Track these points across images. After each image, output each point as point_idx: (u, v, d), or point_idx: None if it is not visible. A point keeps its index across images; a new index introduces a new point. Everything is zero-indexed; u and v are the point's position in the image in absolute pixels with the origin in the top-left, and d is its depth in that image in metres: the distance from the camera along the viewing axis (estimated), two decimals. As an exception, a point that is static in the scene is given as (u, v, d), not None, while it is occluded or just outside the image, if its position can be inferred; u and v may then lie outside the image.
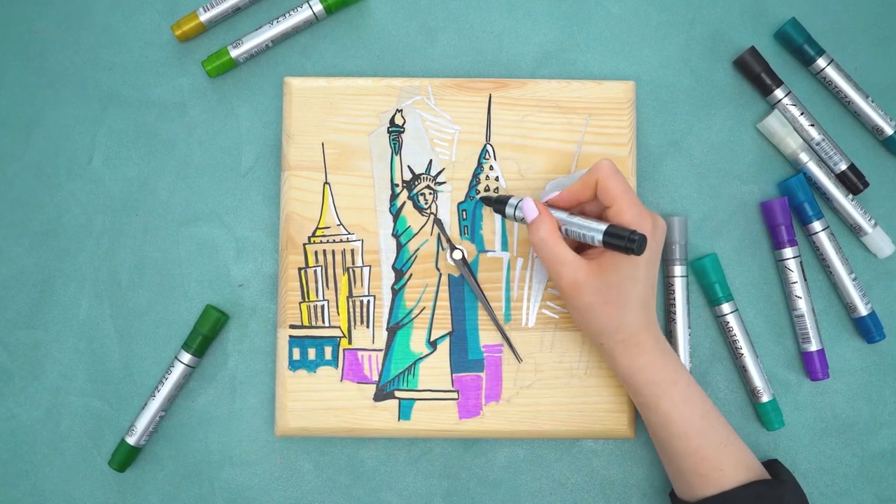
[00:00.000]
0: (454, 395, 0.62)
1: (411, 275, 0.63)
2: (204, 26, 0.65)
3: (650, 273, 0.56)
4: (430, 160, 0.63)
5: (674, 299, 0.64)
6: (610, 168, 0.55)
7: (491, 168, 0.63)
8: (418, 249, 0.63)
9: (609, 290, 0.54)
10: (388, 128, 0.63)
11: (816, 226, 0.64)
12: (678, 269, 0.64)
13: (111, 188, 0.65)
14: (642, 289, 0.55)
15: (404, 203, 0.63)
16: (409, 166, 0.63)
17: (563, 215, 0.56)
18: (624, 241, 0.52)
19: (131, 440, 0.63)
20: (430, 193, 0.63)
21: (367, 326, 0.63)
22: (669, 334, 0.64)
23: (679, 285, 0.64)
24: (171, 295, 0.65)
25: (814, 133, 0.64)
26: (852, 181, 0.65)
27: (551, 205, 0.58)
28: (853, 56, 0.66)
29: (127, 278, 0.65)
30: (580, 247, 0.58)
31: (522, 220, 0.58)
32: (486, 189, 0.63)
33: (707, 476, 0.55)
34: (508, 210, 0.59)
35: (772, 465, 0.61)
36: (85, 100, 0.66)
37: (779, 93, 0.64)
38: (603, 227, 0.53)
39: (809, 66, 0.65)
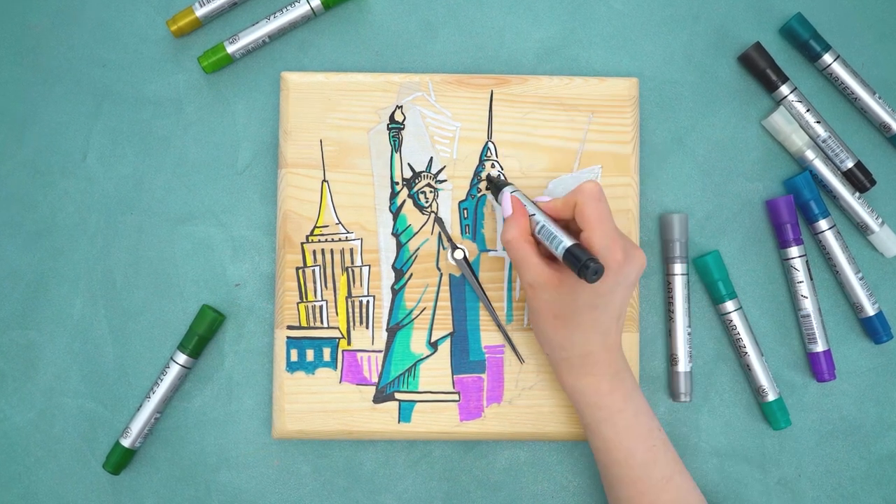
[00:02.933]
0: (455, 396, 0.62)
1: (411, 274, 0.62)
2: (200, 21, 0.64)
3: (613, 303, 0.54)
4: (431, 158, 0.63)
5: (673, 297, 0.63)
6: (592, 192, 0.53)
7: (493, 166, 0.63)
8: (419, 249, 0.62)
9: (560, 305, 0.54)
10: (388, 124, 0.63)
11: (822, 224, 0.63)
12: (678, 267, 0.63)
13: (105, 186, 0.65)
14: (598, 315, 0.54)
15: (404, 201, 0.63)
16: (409, 164, 0.63)
17: (542, 217, 0.55)
18: (579, 264, 0.50)
19: (126, 442, 0.62)
20: (431, 191, 0.63)
21: (367, 327, 0.62)
22: (668, 333, 0.64)
23: (678, 283, 0.63)
24: (167, 295, 0.64)
25: (820, 130, 0.64)
26: (859, 179, 0.64)
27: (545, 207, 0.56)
28: (860, 51, 0.66)
29: (122, 278, 0.64)
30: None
31: None
32: (487, 188, 0.62)
33: None
34: (501, 197, 0.58)
35: None
36: (79, 96, 0.65)
37: (784, 89, 0.64)
38: (569, 243, 0.51)
39: (815, 61, 0.65)
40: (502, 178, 0.62)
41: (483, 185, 0.62)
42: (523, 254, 0.54)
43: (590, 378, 0.55)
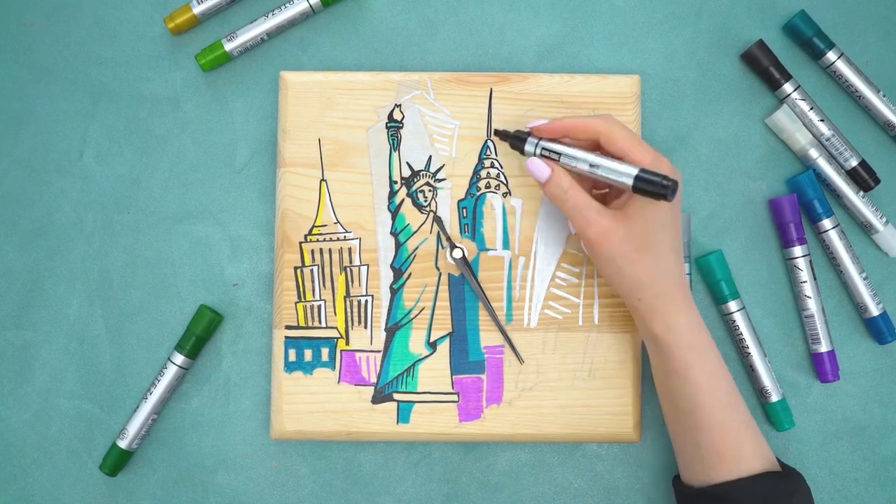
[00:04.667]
0: (454, 397, 0.61)
1: (410, 274, 0.62)
2: (197, 19, 0.64)
3: (676, 219, 0.55)
4: (430, 156, 0.62)
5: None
6: (611, 120, 0.54)
7: (492, 165, 0.62)
8: (417, 248, 0.62)
9: (639, 237, 0.53)
10: (387, 123, 0.62)
11: (826, 224, 0.63)
12: None
13: (102, 185, 0.64)
14: (671, 236, 0.54)
15: (403, 200, 0.62)
16: (407, 163, 0.62)
17: (590, 158, 0.53)
18: (657, 186, 0.50)
19: (123, 444, 0.62)
20: (430, 190, 0.62)
21: (365, 327, 0.62)
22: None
23: (684, 284, 0.63)
24: (164, 295, 0.64)
25: (823, 128, 0.63)
26: (863, 178, 0.64)
27: (540, 130, 0.55)
28: (864, 49, 0.65)
29: (119, 278, 0.64)
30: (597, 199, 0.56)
31: (542, 153, 0.55)
32: (487, 186, 0.62)
33: (725, 455, 0.54)
34: (528, 147, 0.56)
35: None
36: (75, 94, 0.65)
37: (787, 87, 0.64)
38: (634, 171, 0.51)
39: (819, 59, 0.64)
40: (499, 188, 0.61)
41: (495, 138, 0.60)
42: (581, 200, 0.53)
43: (682, 315, 0.54)
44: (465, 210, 0.62)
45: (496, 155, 0.62)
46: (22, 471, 0.63)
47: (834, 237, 0.63)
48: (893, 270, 0.65)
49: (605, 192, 0.59)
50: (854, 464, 0.64)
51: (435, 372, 0.61)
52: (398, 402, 0.61)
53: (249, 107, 0.65)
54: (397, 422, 0.61)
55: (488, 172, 0.62)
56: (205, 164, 0.65)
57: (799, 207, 0.63)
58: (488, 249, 0.62)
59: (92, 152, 0.65)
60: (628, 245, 0.53)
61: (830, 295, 0.65)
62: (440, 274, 0.62)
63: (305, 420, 0.61)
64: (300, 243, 0.62)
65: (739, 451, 0.54)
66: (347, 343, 0.62)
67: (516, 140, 0.56)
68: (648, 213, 0.53)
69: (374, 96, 0.62)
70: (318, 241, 0.62)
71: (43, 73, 0.65)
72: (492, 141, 0.62)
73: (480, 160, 0.62)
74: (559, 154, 0.54)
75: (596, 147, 0.55)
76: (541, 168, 0.55)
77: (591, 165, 0.53)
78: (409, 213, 0.62)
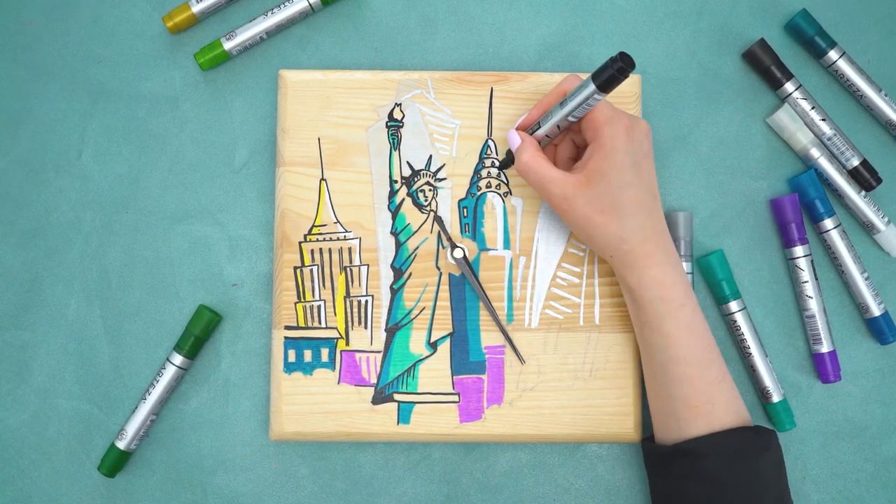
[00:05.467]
0: (455, 397, 0.61)
1: (410, 274, 0.62)
2: (196, 17, 0.64)
3: (642, 176, 0.55)
4: (430, 156, 0.62)
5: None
6: (576, 77, 0.56)
7: (493, 164, 0.62)
8: (418, 248, 0.62)
9: (601, 198, 0.54)
10: (387, 122, 0.62)
11: (828, 223, 0.63)
12: (683, 266, 0.62)
13: (101, 185, 0.64)
14: (635, 193, 0.54)
15: (403, 200, 0.62)
16: (408, 162, 0.62)
17: (551, 114, 0.56)
18: (609, 67, 0.51)
19: (121, 444, 0.62)
20: (430, 190, 0.62)
21: (365, 327, 0.61)
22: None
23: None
24: (163, 295, 0.64)
25: (825, 128, 0.63)
26: (865, 177, 0.64)
27: (525, 125, 0.58)
28: (865, 48, 0.65)
29: (117, 278, 0.64)
30: (567, 168, 0.59)
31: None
32: (488, 186, 0.62)
33: (697, 409, 0.55)
34: (509, 139, 0.58)
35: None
36: (73, 94, 0.65)
37: (789, 86, 0.63)
38: (592, 84, 0.52)
39: (820, 58, 0.64)
40: (500, 187, 0.63)
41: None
42: (544, 170, 0.55)
43: (655, 269, 0.55)
44: (465, 210, 0.62)
45: (497, 154, 0.62)
46: (20, 472, 0.63)
47: (835, 237, 0.63)
48: (895, 270, 0.65)
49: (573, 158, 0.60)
50: (855, 464, 0.64)
51: (435, 372, 0.61)
52: (398, 402, 0.61)
53: (249, 106, 0.65)
54: (397, 422, 0.61)
55: (489, 172, 0.62)
56: (204, 163, 0.64)
57: (800, 207, 0.63)
58: (489, 249, 0.62)
59: (90, 152, 0.64)
60: (591, 208, 0.54)
61: (832, 295, 0.64)
62: (441, 274, 0.62)
63: (305, 421, 0.61)
64: (300, 243, 0.62)
65: (712, 405, 0.54)
66: (347, 343, 0.61)
67: (509, 158, 0.60)
68: (607, 173, 0.54)
69: (374, 95, 0.62)
70: (317, 240, 0.62)
71: (41, 72, 0.65)
72: (492, 140, 0.62)
73: (481, 159, 0.62)
74: (538, 125, 0.57)
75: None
76: (514, 138, 0.58)
77: (561, 105, 0.55)
78: (410, 213, 0.62)
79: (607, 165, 0.54)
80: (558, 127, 0.56)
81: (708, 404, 0.55)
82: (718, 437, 0.54)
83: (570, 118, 0.55)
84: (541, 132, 0.57)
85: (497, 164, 0.62)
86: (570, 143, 0.60)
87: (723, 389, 0.55)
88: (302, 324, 0.61)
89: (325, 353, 0.61)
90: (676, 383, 0.55)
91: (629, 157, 0.54)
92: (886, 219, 0.63)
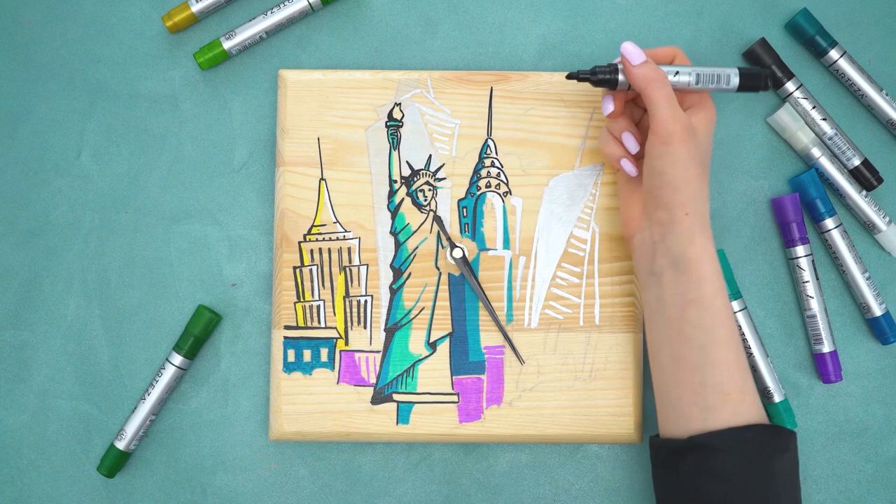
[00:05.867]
0: (454, 398, 0.61)
1: (410, 274, 0.61)
2: (196, 17, 0.64)
3: (707, 161, 0.56)
4: (430, 155, 0.62)
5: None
6: (678, 50, 0.58)
7: (492, 164, 0.62)
8: (417, 247, 0.62)
9: (701, 152, 0.55)
10: (386, 122, 0.62)
11: (829, 223, 0.63)
12: None
13: (100, 184, 0.64)
14: (708, 168, 0.56)
15: (403, 199, 0.62)
16: (407, 162, 0.62)
17: (689, 69, 0.56)
18: (758, 78, 0.56)
19: (121, 445, 0.62)
20: (430, 189, 0.62)
21: (365, 327, 0.61)
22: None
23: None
24: (162, 295, 0.63)
25: (826, 127, 0.63)
26: (866, 177, 0.64)
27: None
28: (866, 48, 0.65)
29: (116, 278, 0.64)
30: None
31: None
32: (487, 185, 0.62)
33: (730, 397, 0.52)
34: (622, 78, 0.56)
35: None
36: (73, 93, 0.64)
37: (790, 86, 0.63)
38: (734, 69, 0.56)
39: (821, 58, 0.64)
40: (500, 187, 0.61)
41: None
42: (674, 94, 0.54)
43: (713, 243, 0.55)
44: (465, 209, 0.62)
45: (496, 154, 0.62)
46: (19, 472, 0.63)
47: (836, 237, 0.63)
48: (896, 270, 0.65)
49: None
50: (857, 465, 0.63)
51: (435, 372, 0.61)
52: (398, 402, 0.61)
53: (248, 105, 0.64)
54: (397, 423, 0.61)
55: (489, 171, 0.62)
56: (203, 163, 0.64)
57: (801, 207, 0.63)
58: (488, 249, 0.62)
59: (89, 151, 0.64)
60: (696, 158, 0.54)
61: (833, 295, 0.64)
62: (440, 274, 0.62)
63: (304, 421, 0.61)
64: (299, 243, 0.62)
65: (743, 395, 0.53)
66: (347, 343, 0.61)
67: (605, 75, 0.56)
68: (702, 139, 0.55)
69: (374, 95, 0.62)
70: (317, 240, 0.62)
71: (40, 72, 0.65)
72: (492, 140, 0.62)
73: (481, 159, 0.62)
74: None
75: None
76: (636, 52, 0.54)
77: (691, 72, 0.56)
78: (409, 213, 0.62)
79: (704, 129, 0.55)
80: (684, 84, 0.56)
81: (740, 393, 0.53)
82: (739, 432, 0.52)
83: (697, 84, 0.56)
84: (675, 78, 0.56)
85: (498, 163, 0.61)
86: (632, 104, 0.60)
87: (752, 382, 0.54)
88: (301, 324, 0.61)
89: (324, 353, 0.61)
90: (715, 367, 0.53)
91: (712, 137, 0.56)
92: (887, 218, 0.63)
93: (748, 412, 0.53)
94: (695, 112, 0.56)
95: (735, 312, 0.62)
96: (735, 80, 0.56)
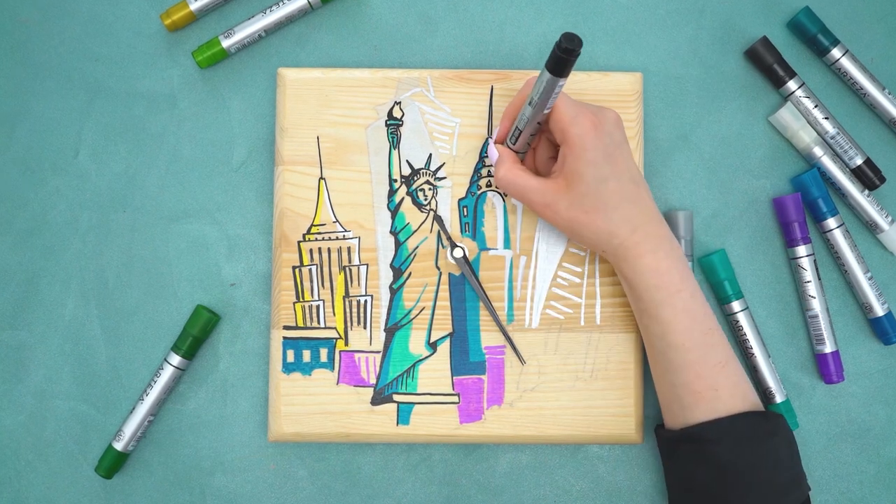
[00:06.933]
0: (455, 398, 0.61)
1: (410, 273, 0.61)
2: (194, 15, 0.63)
3: (618, 167, 0.55)
4: (430, 154, 0.62)
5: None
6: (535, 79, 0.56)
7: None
8: (417, 247, 0.61)
9: (582, 199, 0.54)
10: (386, 121, 0.62)
11: (831, 223, 0.63)
12: (680, 251, 0.62)
13: (98, 184, 0.64)
14: (615, 185, 0.54)
15: (403, 199, 0.61)
16: (407, 161, 0.62)
17: (523, 113, 0.55)
18: (554, 50, 0.50)
19: (119, 445, 0.61)
20: (430, 189, 0.61)
21: (365, 327, 0.61)
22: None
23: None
24: (161, 295, 0.63)
25: (828, 126, 0.63)
26: (868, 176, 0.63)
27: (501, 137, 0.59)
28: (869, 46, 0.65)
29: (114, 277, 0.63)
30: (550, 167, 0.59)
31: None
32: (488, 185, 0.61)
33: (701, 395, 0.54)
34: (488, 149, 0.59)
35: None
36: (71, 92, 0.64)
37: (792, 84, 0.63)
38: (547, 74, 0.52)
39: (823, 56, 0.64)
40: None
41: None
42: (522, 181, 0.56)
43: (648, 257, 0.55)
44: (465, 209, 0.62)
45: (497, 153, 0.62)
46: (16, 473, 0.63)
47: (838, 236, 0.62)
48: (899, 270, 0.64)
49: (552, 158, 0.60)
50: (858, 465, 0.63)
51: (435, 373, 0.61)
52: (398, 403, 0.61)
53: (247, 104, 0.64)
54: (397, 423, 0.60)
55: (489, 171, 0.62)
56: (202, 162, 0.64)
57: (803, 206, 0.63)
58: (489, 249, 0.62)
59: (87, 150, 0.64)
60: (575, 210, 0.55)
61: (835, 295, 0.64)
62: (440, 273, 0.61)
63: (304, 422, 0.60)
64: (298, 242, 0.61)
65: (715, 391, 0.54)
66: (346, 343, 0.61)
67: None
68: (584, 173, 0.54)
69: (374, 93, 0.62)
70: (316, 240, 0.61)
71: (38, 70, 0.64)
72: (493, 139, 0.62)
73: (481, 158, 0.62)
74: (518, 130, 0.57)
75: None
76: (492, 153, 0.59)
77: (530, 103, 0.54)
78: (409, 212, 0.62)
79: (581, 165, 0.54)
80: (534, 127, 0.55)
81: (711, 390, 0.54)
82: (724, 422, 0.54)
83: (542, 113, 0.54)
84: (520, 140, 0.57)
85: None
86: (547, 143, 0.59)
87: (726, 374, 0.55)
88: (301, 324, 0.61)
89: (323, 353, 0.61)
90: (677, 370, 0.55)
91: (601, 152, 0.54)
92: (890, 218, 0.63)
93: (728, 403, 0.54)
94: (565, 152, 0.55)
95: (736, 312, 0.62)
96: (546, 74, 0.52)
